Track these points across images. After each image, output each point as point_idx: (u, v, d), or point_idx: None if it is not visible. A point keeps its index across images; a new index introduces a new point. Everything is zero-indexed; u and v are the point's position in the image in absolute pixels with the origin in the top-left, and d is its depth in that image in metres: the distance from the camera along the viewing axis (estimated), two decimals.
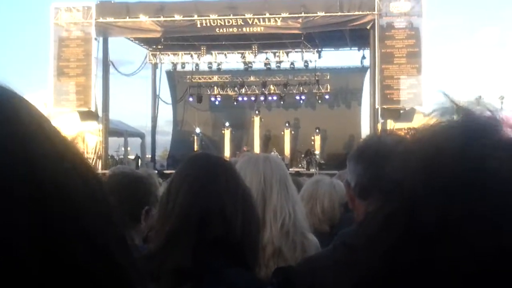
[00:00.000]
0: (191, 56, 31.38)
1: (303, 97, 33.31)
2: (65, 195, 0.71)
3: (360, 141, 2.39)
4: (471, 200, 0.72)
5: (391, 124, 26.21)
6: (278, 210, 2.78)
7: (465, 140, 0.76)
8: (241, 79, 33.43)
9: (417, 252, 0.73)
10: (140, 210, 3.02)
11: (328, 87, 32.64)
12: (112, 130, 30.62)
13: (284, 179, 2.87)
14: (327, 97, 32.96)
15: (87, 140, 29.69)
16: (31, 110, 0.77)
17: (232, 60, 31.85)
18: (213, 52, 31.10)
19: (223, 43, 29.93)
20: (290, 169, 26.99)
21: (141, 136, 35.16)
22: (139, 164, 30.84)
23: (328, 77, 32.63)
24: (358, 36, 29.08)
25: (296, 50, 30.34)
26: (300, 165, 30.24)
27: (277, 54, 30.84)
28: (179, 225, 1.94)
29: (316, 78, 31.98)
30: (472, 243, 0.70)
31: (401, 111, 26.82)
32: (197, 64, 32.08)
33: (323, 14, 26.66)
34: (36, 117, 0.76)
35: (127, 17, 27.96)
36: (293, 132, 33.19)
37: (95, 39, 28.64)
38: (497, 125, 0.78)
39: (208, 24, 27.50)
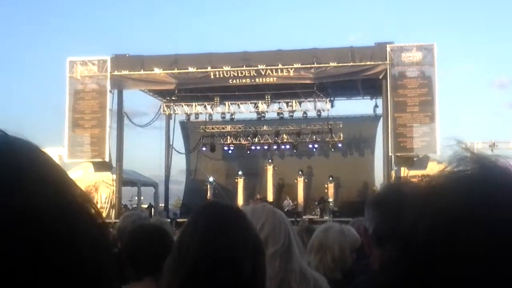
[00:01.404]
0: (205, 106, 31.59)
1: (316, 146, 33.35)
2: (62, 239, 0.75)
3: (378, 188, 2.39)
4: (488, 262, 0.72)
5: (404, 172, 26.17)
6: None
7: (482, 192, 0.76)
8: (254, 129, 33.59)
9: None
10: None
11: (341, 135, 32.65)
12: (125, 180, 30.74)
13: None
14: (340, 145, 32.96)
15: (101, 190, 29.82)
16: (47, 161, 0.81)
17: (245, 110, 32.03)
18: (226, 103, 31.32)
19: (236, 93, 30.16)
20: (303, 217, 26.97)
21: (155, 185, 35.24)
22: (153, 213, 30.84)
23: (341, 126, 32.63)
24: (371, 85, 29.24)
25: (308, 99, 30.47)
26: (313, 213, 30.12)
27: (290, 103, 30.98)
28: (190, 276, 1.93)
29: (329, 127, 32.02)
30: None
31: (415, 159, 26.76)
32: (210, 114, 32.24)
33: (335, 64, 26.85)
34: (50, 167, 0.81)
35: (142, 69, 28.31)
36: (306, 180, 33.13)
37: (110, 91, 28.96)
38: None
39: (222, 76, 27.76)
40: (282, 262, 2.75)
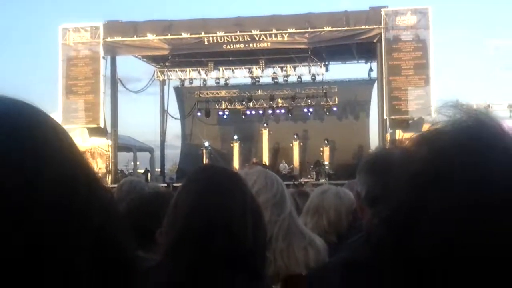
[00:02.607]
0: (199, 72, 31.46)
1: (311, 110, 33.28)
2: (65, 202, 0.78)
3: (369, 153, 2.43)
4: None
5: (399, 134, 26.23)
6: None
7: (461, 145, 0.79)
8: (248, 93, 33.43)
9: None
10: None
11: (336, 99, 32.58)
12: (121, 146, 30.76)
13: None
14: (335, 109, 32.91)
15: (97, 155, 29.84)
16: (51, 123, 0.84)
17: (239, 75, 31.94)
18: (220, 68, 31.18)
19: (230, 59, 30.01)
20: (300, 180, 27.11)
21: (150, 150, 35.29)
22: (149, 178, 30.99)
23: (336, 90, 32.53)
24: (365, 49, 29.14)
25: (303, 64, 30.38)
26: (309, 176, 30.25)
27: (284, 68, 30.88)
28: (180, 238, 1.94)
29: (324, 91, 31.94)
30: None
31: (410, 121, 26.83)
32: (204, 80, 32.11)
33: (329, 28, 26.70)
34: (54, 129, 0.84)
35: (135, 35, 28.09)
36: (301, 144, 33.17)
37: (103, 57, 28.81)
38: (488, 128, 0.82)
39: (215, 41, 27.58)
40: (273, 212, 2.76)
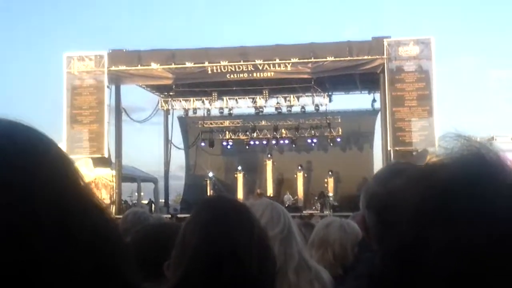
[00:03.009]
0: (203, 102, 31.57)
1: (315, 140, 33.37)
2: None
3: (368, 188, 2.42)
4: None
5: None
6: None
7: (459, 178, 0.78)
8: (252, 124, 33.55)
9: None
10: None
11: (340, 130, 32.63)
12: (125, 176, 30.78)
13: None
14: (339, 140, 32.96)
15: (101, 186, 29.85)
16: (56, 150, 0.87)
17: (243, 105, 32.00)
18: (224, 98, 31.30)
19: (234, 88, 30.17)
20: (304, 212, 26.99)
21: (154, 181, 35.29)
22: (153, 209, 30.94)
23: (340, 120, 32.59)
24: (368, 79, 29.24)
25: (306, 94, 30.44)
26: (313, 208, 30.13)
27: (287, 98, 30.96)
28: (191, 268, 1.92)
29: (328, 122, 31.98)
30: None
31: (414, 153, 26.74)
32: (208, 110, 32.21)
33: (332, 58, 26.84)
34: (59, 157, 0.87)
35: (139, 65, 28.32)
36: (306, 175, 33.14)
37: (108, 87, 29.00)
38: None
39: (219, 70, 27.76)
40: (281, 248, 2.72)
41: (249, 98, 31.36)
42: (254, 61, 27.47)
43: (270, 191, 32.18)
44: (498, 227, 0.74)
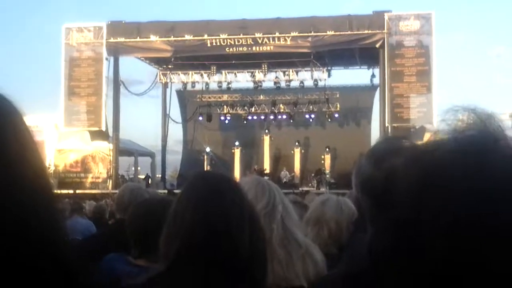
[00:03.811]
0: (201, 75, 31.54)
1: (312, 116, 33.32)
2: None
3: (362, 168, 2.33)
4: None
5: None
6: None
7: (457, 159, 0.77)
8: (250, 98, 33.47)
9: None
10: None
11: (338, 105, 32.62)
12: (122, 150, 30.73)
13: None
14: (337, 115, 32.94)
15: (98, 159, 29.83)
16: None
17: (242, 79, 32.02)
18: (223, 71, 31.27)
19: (233, 62, 30.07)
20: (300, 188, 27.01)
21: (151, 155, 35.23)
22: (150, 184, 30.93)
23: (338, 96, 32.57)
24: (368, 54, 29.13)
25: (306, 69, 30.44)
26: (310, 184, 30.19)
27: (286, 73, 30.97)
28: (186, 245, 1.94)
29: (326, 97, 31.93)
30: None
31: (411, 130, 26.77)
32: (207, 83, 32.18)
33: (332, 33, 26.79)
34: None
35: (138, 37, 28.21)
36: (303, 151, 33.14)
37: (106, 59, 28.92)
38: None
39: (218, 44, 27.67)
40: (266, 222, 2.65)
41: (248, 72, 31.37)
42: (254, 35, 27.40)
43: (267, 167, 32.15)
44: (497, 207, 0.73)
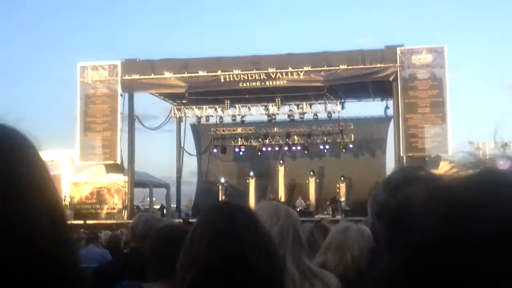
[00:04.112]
0: (215, 109, 31.66)
1: (327, 147, 33.35)
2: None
3: (376, 196, 2.37)
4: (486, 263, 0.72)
5: None
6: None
7: (481, 195, 0.76)
8: (265, 130, 33.59)
9: None
10: None
11: (352, 136, 32.63)
12: (137, 182, 30.93)
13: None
14: (351, 146, 32.94)
15: (114, 191, 30.02)
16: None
17: (255, 113, 32.04)
18: (236, 105, 31.37)
19: (247, 96, 30.18)
20: (315, 216, 26.99)
21: (166, 186, 35.38)
22: (165, 214, 31.01)
23: (352, 127, 32.61)
24: (381, 87, 29.17)
25: (319, 101, 30.44)
26: (325, 212, 30.11)
27: (300, 106, 31.00)
28: (202, 271, 1.97)
29: (340, 128, 31.97)
30: None
31: (427, 159, 26.72)
32: (221, 117, 32.34)
33: (345, 67, 26.84)
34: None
35: (152, 73, 28.43)
36: (317, 181, 33.11)
37: (121, 95, 29.16)
38: None
39: (232, 79, 27.80)
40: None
41: (261, 105, 31.40)
42: (267, 70, 27.51)
43: (282, 196, 32.13)
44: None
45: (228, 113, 31.59)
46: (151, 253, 3.28)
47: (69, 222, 0.98)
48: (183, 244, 2.12)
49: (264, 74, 27.56)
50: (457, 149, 0.91)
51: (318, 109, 30.87)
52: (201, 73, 28.00)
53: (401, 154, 27.05)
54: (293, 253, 2.79)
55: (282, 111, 31.46)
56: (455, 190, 0.79)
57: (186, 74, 28.13)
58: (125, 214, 28.89)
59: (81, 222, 24.63)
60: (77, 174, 30.72)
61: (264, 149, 34.13)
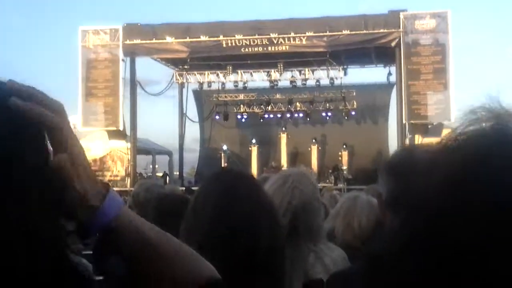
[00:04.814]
0: (217, 75, 31.54)
1: (329, 114, 33.28)
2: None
3: (392, 154, 2.37)
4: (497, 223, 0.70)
5: (418, 139, 26.05)
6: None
7: (493, 151, 0.73)
8: (267, 97, 33.53)
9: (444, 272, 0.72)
10: None
11: (355, 103, 32.51)
12: (140, 149, 30.90)
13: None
14: (353, 113, 32.87)
15: (116, 158, 30.05)
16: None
17: (258, 79, 31.93)
18: (239, 71, 31.23)
19: (249, 62, 29.99)
20: (318, 185, 27.00)
21: (169, 154, 35.40)
22: (167, 181, 31.06)
23: (354, 94, 32.45)
24: (384, 53, 28.93)
25: (321, 67, 30.29)
26: (327, 181, 30.13)
27: (302, 72, 30.86)
28: (205, 241, 1.96)
29: (342, 95, 31.87)
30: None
31: (429, 126, 26.67)
32: (223, 83, 32.22)
33: (348, 32, 26.63)
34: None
35: (154, 38, 28.28)
36: (320, 148, 33.08)
37: (122, 60, 29.02)
38: None
39: (234, 44, 27.67)
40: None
41: (263, 71, 31.28)
42: (269, 35, 27.33)
43: (284, 164, 32.14)
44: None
45: (230, 79, 31.48)
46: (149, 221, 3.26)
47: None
48: (184, 216, 2.10)
49: (266, 39, 27.41)
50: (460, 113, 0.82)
51: (321, 75, 30.75)
52: (203, 38, 27.81)
53: (404, 122, 26.96)
54: (310, 234, 2.78)
55: (284, 77, 31.31)
56: (462, 148, 0.76)
57: (188, 39, 27.95)
58: (128, 181, 28.92)
59: None
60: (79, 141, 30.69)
61: (266, 116, 34.09)
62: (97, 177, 1.06)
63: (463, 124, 0.80)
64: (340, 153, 32.24)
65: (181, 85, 34.04)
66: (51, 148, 1.00)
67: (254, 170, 30.39)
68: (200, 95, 35.14)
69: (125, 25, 29.00)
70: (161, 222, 3.11)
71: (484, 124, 0.78)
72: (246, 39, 27.50)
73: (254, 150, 33.00)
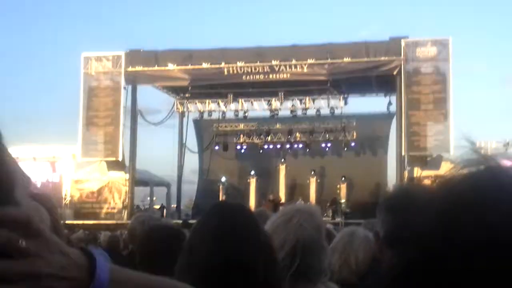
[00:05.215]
0: (218, 104, 31.66)
1: (329, 145, 33.27)
2: None
3: (389, 191, 2.44)
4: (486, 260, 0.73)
5: (417, 172, 26.02)
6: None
7: (485, 193, 0.78)
8: (267, 127, 33.61)
9: None
10: None
11: (354, 134, 32.58)
12: (138, 180, 30.79)
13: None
14: (353, 144, 32.85)
15: (114, 189, 29.85)
16: None
17: (258, 107, 32.01)
18: (239, 100, 31.33)
19: (250, 90, 30.18)
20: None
21: (167, 185, 35.25)
22: (165, 214, 30.81)
23: (354, 124, 32.55)
24: (384, 81, 29.13)
25: (322, 96, 30.46)
26: (325, 214, 29.91)
27: (303, 100, 30.94)
28: (201, 278, 1.95)
29: (342, 125, 32.00)
30: None
31: (428, 158, 26.63)
32: (223, 112, 32.31)
33: (349, 59, 26.89)
34: None
35: (156, 65, 28.51)
36: (318, 181, 32.95)
37: (124, 88, 29.11)
38: None
39: (235, 72, 27.89)
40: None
41: (264, 100, 31.41)
42: (271, 62, 27.59)
43: (282, 196, 31.99)
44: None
45: (231, 108, 31.58)
46: (140, 254, 3.30)
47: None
48: (171, 243, 2.11)
49: (267, 67, 27.65)
50: (458, 147, 0.90)
51: (321, 105, 30.86)
52: (204, 65, 28.04)
53: (403, 154, 26.95)
54: (310, 274, 2.79)
55: (284, 106, 31.41)
56: (457, 188, 0.81)
57: (189, 66, 28.18)
58: (125, 214, 28.73)
59: (80, 222, 24.41)
60: (78, 171, 30.56)
61: (266, 146, 34.08)
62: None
63: (459, 165, 0.85)
64: (338, 186, 32.09)
65: (182, 114, 34.12)
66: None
67: (252, 202, 30.23)
68: (200, 125, 35.20)
69: (127, 51, 29.24)
70: (149, 253, 3.11)
71: (477, 167, 0.84)
72: (247, 66, 27.74)
73: (253, 182, 32.84)
